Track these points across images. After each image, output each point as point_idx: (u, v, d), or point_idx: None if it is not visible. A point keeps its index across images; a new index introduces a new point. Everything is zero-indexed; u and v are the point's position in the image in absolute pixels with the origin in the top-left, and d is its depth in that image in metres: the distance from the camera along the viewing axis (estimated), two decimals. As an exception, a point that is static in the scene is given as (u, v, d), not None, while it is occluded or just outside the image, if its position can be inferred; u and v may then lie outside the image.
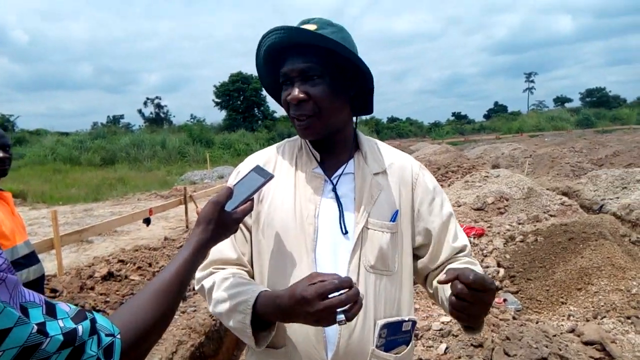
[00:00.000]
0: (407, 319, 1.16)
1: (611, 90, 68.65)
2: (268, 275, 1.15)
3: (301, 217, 1.13)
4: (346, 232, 1.12)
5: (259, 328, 1.03)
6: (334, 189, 1.16)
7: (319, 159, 1.20)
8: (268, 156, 1.26)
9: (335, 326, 1.03)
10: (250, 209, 1.02)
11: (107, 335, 0.67)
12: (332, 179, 1.18)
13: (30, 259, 2.09)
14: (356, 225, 1.13)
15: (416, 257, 1.26)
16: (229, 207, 0.98)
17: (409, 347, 1.18)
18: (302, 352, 1.10)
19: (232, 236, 1.14)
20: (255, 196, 1.10)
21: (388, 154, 1.27)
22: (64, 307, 0.64)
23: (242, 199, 1.00)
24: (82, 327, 0.63)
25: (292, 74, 1.10)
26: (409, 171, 1.25)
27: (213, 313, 1.13)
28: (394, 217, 1.17)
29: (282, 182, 1.19)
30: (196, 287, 1.20)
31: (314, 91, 1.09)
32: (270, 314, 1.00)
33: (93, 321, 0.66)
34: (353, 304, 0.89)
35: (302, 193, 1.16)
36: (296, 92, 1.09)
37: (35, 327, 0.56)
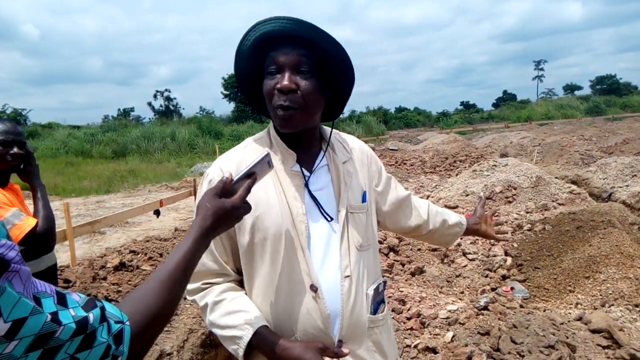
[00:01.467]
0: (381, 281, 1.32)
1: (622, 78, 67.70)
2: (263, 276, 1.19)
3: (291, 217, 1.17)
4: (331, 220, 1.21)
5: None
6: (306, 185, 1.21)
7: (295, 158, 1.22)
8: (238, 159, 1.23)
9: (339, 307, 1.18)
10: (247, 190, 0.99)
11: (116, 322, 0.70)
12: (310, 173, 1.23)
13: None
14: (339, 213, 1.22)
15: (390, 218, 1.49)
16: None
17: (385, 304, 1.34)
18: (312, 337, 1.16)
19: (212, 247, 1.20)
20: None
21: (347, 141, 1.37)
22: (74, 297, 0.66)
23: (238, 179, 1.00)
24: (92, 315, 0.65)
25: (284, 62, 1.11)
26: (364, 153, 1.39)
27: (209, 328, 1.24)
28: (364, 198, 1.29)
29: (262, 184, 1.15)
30: (189, 298, 1.25)
31: (304, 84, 1.12)
32: (264, 352, 1.12)
33: (102, 309, 0.68)
34: None
35: (287, 192, 1.19)
36: (287, 80, 1.11)
37: (49, 316, 0.58)
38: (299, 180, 1.21)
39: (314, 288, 1.15)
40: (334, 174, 1.25)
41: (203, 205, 0.95)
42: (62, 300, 0.63)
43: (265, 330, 1.12)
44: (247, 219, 1.16)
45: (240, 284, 1.27)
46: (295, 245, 1.17)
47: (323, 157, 1.27)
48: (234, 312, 1.15)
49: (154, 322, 0.77)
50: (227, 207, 0.95)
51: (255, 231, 1.18)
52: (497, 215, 1.85)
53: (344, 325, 1.18)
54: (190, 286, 1.23)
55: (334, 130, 1.35)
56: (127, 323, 0.71)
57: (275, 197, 1.18)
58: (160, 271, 0.83)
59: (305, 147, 1.25)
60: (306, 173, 1.23)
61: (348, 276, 1.19)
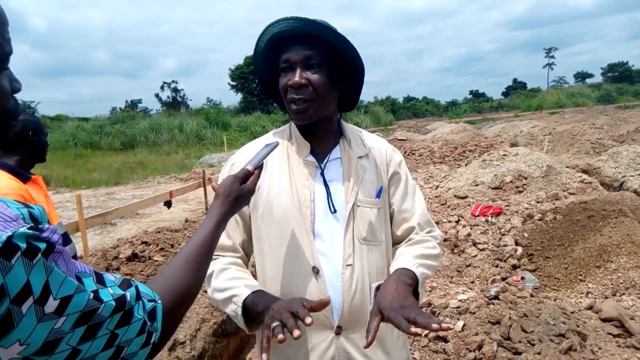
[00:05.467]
0: None
1: (634, 65, 66.46)
2: (269, 257, 1.28)
3: (298, 202, 1.25)
4: (335, 211, 1.26)
5: (251, 316, 1.19)
6: (322, 174, 1.29)
7: (310, 148, 1.31)
8: (258, 150, 1.32)
9: (340, 294, 1.23)
10: (258, 177, 1.12)
11: (149, 300, 0.73)
12: (321, 164, 1.30)
13: (65, 239, 2.17)
14: (346, 204, 1.27)
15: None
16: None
17: None
18: (313, 317, 1.20)
19: (227, 226, 1.25)
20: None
21: (368, 139, 1.40)
22: (110, 277, 0.70)
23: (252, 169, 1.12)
24: (129, 293, 0.69)
25: (295, 60, 1.20)
26: (384, 153, 1.39)
27: (211, 298, 1.27)
28: (379, 194, 1.32)
29: (277, 171, 1.30)
30: None
31: (314, 78, 1.20)
32: (257, 310, 1.15)
33: (137, 288, 0.72)
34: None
35: (297, 180, 1.28)
36: (297, 76, 1.19)
37: (92, 294, 0.62)
38: (310, 170, 1.29)
39: (315, 270, 1.22)
40: (346, 166, 1.30)
41: (224, 190, 1.04)
42: (100, 280, 0.67)
43: (262, 292, 1.19)
44: (259, 203, 1.28)
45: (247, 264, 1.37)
46: (300, 229, 1.24)
47: (337, 150, 1.33)
48: (237, 279, 1.23)
49: (182, 301, 0.82)
50: (245, 193, 1.07)
51: (265, 214, 1.28)
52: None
53: (344, 311, 1.23)
54: None
55: (355, 127, 1.43)
56: (159, 301, 0.75)
57: (286, 183, 1.27)
58: (185, 252, 0.89)
59: (321, 139, 1.32)
60: (317, 164, 1.30)
61: (350, 265, 1.24)
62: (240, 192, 1.05)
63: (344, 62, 1.25)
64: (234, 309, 1.18)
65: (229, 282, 1.22)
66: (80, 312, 0.60)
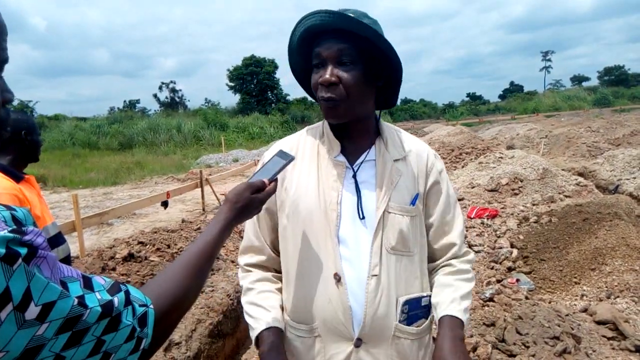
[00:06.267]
0: (425, 295, 1.24)
1: (630, 68, 66.82)
2: (292, 259, 1.23)
3: (324, 204, 1.18)
4: (363, 217, 1.17)
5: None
6: (354, 176, 1.20)
7: (340, 147, 1.23)
8: (291, 145, 1.29)
9: (362, 305, 1.15)
10: (273, 191, 1.10)
11: (140, 305, 0.71)
12: (353, 165, 1.22)
13: (58, 239, 2.17)
14: (377, 210, 1.17)
15: None
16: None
17: (428, 320, 1.26)
18: (331, 328, 1.18)
19: (258, 224, 1.28)
20: (279, 184, 1.21)
21: (407, 141, 1.30)
22: (100, 280, 0.68)
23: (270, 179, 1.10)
24: (117, 299, 0.66)
25: (327, 55, 1.12)
26: (425, 159, 1.28)
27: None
28: (414, 201, 1.22)
29: (306, 169, 1.23)
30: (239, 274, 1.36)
31: (345, 76, 1.12)
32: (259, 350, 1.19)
33: (127, 293, 0.70)
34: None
35: (325, 181, 1.20)
36: (328, 74, 1.12)
37: (76, 300, 0.60)
38: (340, 171, 1.21)
39: (337, 277, 1.15)
40: (379, 169, 1.21)
41: (233, 197, 1.02)
42: (88, 284, 0.65)
43: (270, 333, 1.18)
44: (287, 201, 1.23)
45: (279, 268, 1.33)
46: (324, 233, 1.17)
47: (372, 151, 1.24)
48: (257, 305, 1.23)
49: (176, 306, 0.79)
50: (255, 202, 1.04)
51: (291, 214, 1.22)
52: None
53: (365, 323, 1.15)
54: (239, 259, 1.35)
55: (395, 127, 1.34)
56: (151, 306, 0.73)
57: (314, 183, 1.21)
58: (185, 256, 0.86)
59: (355, 138, 1.24)
60: (348, 165, 1.22)
61: (375, 275, 1.15)
62: (249, 201, 1.02)
63: (380, 57, 1.16)
64: (251, 333, 1.21)
65: (250, 308, 1.24)
66: (63, 318, 0.58)
